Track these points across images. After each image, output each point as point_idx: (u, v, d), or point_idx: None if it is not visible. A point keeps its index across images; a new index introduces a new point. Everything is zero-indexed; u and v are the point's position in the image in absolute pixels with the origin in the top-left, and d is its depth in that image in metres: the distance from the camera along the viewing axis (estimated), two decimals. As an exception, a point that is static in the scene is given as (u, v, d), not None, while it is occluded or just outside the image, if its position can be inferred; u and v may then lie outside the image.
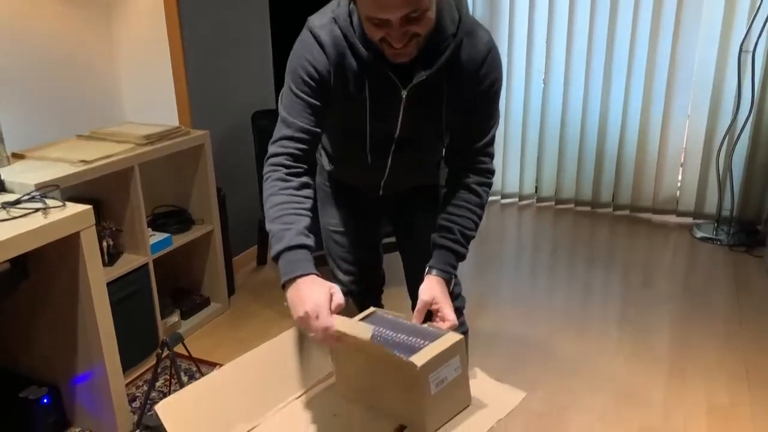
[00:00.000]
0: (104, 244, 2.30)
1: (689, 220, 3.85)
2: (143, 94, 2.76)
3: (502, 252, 3.49)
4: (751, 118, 3.51)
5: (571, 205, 4.08)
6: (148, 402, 2.22)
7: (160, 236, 2.49)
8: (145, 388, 2.33)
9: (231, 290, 2.97)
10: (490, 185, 1.41)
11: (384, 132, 1.38)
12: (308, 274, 1.15)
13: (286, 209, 1.23)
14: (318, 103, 1.29)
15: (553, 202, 4.12)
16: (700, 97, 3.65)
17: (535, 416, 2.15)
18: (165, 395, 2.27)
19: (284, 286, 1.14)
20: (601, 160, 3.92)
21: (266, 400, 1.18)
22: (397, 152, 1.43)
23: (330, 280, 1.23)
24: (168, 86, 2.71)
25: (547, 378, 2.37)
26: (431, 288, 1.30)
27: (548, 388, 2.32)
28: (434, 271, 1.33)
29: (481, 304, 2.91)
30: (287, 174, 1.26)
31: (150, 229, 2.51)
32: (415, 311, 1.28)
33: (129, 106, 2.80)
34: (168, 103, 2.71)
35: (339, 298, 1.14)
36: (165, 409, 1.13)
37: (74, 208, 1.82)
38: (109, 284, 2.19)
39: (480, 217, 1.40)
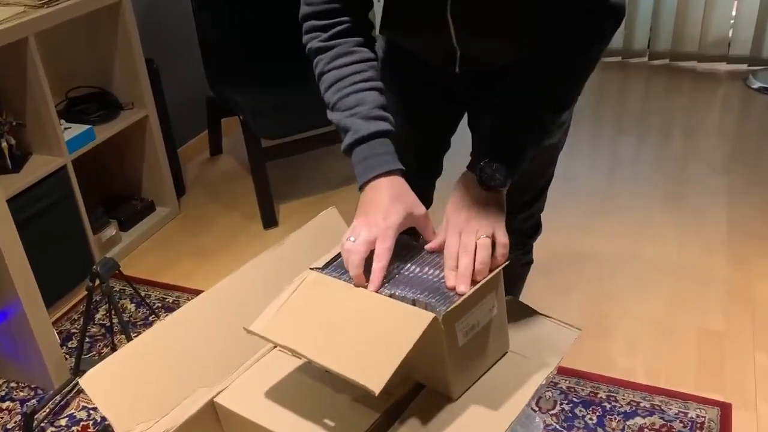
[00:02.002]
0: (2, 144, 2.07)
1: (743, 67, 3.74)
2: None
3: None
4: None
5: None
6: (87, 340, 2.12)
7: (78, 129, 2.34)
8: (82, 321, 2.19)
9: (180, 190, 2.91)
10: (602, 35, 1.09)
11: None
12: (388, 174, 1.05)
13: (343, 88, 1.12)
14: None
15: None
16: None
17: (570, 327, 2.08)
18: (107, 330, 2.15)
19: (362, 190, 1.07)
20: (634, -4, 3.74)
21: (234, 353, 1.07)
22: None
23: None
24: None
25: (580, 280, 2.31)
26: (453, 194, 1.08)
27: (582, 292, 2.25)
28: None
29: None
30: (329, 38, 1.14)
31: (63, 121, 2.37)
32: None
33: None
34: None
35: (421, 219, 1.04)
36: (92, 383, 1.00)
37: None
38: (15, 197, 2.03)
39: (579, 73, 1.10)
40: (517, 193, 1.19)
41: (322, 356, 0.87)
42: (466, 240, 0.98)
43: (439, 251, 1.01)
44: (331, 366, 0.86)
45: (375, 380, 0.82)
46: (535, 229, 1.54)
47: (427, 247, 1.04)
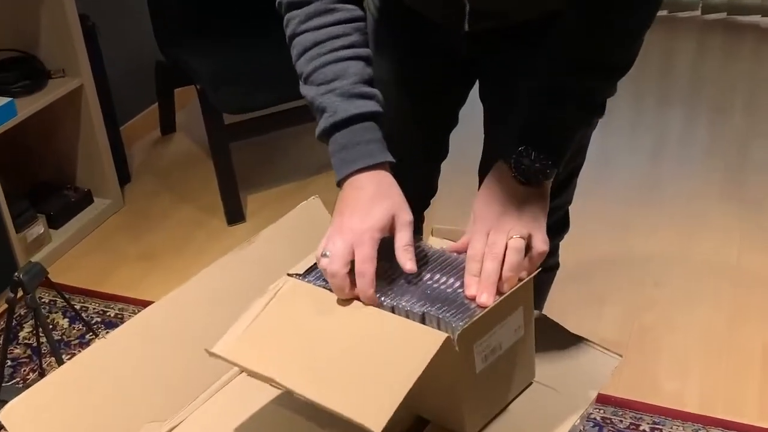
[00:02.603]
0: None
1: None
2: None
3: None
4: None
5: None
6: (8, 364, 2.12)
7: None
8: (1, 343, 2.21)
9: (124, 177, 2.93)
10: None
11: None
12: (372, 167, 1.04)
13: (319, 56, 1.10)
14: None
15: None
16: None
17: (606, 344, 2.09)
18: (33, 352, 2.15)
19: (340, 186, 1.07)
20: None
21: (191, 380, 1.08)
22: None
23: None
24: None
25: (617, 287, 2.33)
26: (482, 188, 1.09)
27: (620, 302, 2.27)
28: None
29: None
30: None
31: None
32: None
33: None
34: None
35: (404, 224, 1.01)
36: (13, 417, 0.99)
37: None
38: None
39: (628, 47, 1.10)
40: None
41: (305, 386, 0.87)
42: (495, 239, 0.98)
43: (459, 254, 1.01)
44: (317, 399, 0.85)
45: (374, 418, 0.81)
46: (562, 226, 1.55)
47: (449, 248, 1.03)
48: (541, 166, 1.04)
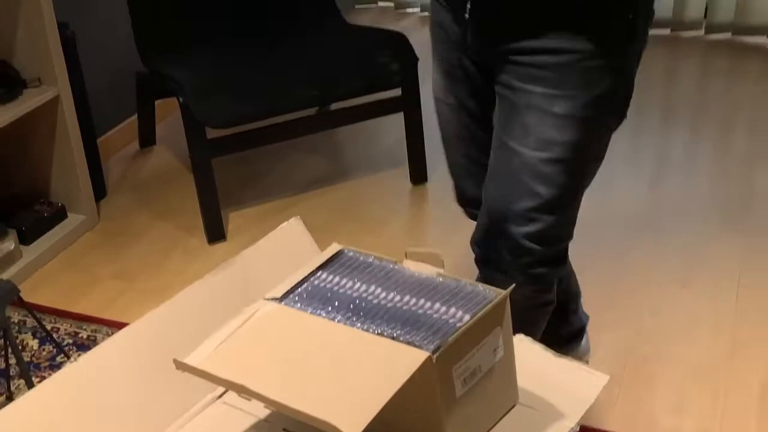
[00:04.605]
0: None
1: None
2: None
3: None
4: None
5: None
6: None
7: None
8: (-31, 362, 2.20)
9: (100, 192, 2.93)
10: None
11: None
12: None
13: None
14: None
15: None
16: None
17: (600, 376, 2.11)
18: (1, 374, 2.15)
19: None
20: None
21: (166, 405, 1.08)
22: None
23: None
24: None
25: (613, 316, 2.34)
26: None
27: (616, 332, 2.28)
28: None
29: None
30: None
31: None
32: None
33: None
34: None
35: None
36: None
37: None
38: None
39: None
40: (512, 184, 1.37)
41: (278, 393, 0.88)
42: None
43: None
44: (291, 404, 0.86)
45: (351, 423, 0.82)
46: (561, 261, 1.58)
47: None
48: None
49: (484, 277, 1.59)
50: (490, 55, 1.49)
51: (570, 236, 1.57)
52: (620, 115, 1.51)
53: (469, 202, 1.74)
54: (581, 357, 1.98)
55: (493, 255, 1.56)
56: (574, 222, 1.56)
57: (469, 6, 1.43)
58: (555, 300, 1.65)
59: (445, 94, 1.64)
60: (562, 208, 1.50)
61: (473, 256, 1.64)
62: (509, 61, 1.44)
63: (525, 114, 1.43)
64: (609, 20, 1.40)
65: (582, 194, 1.55)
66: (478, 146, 1.62)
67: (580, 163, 1.48)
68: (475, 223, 1.61)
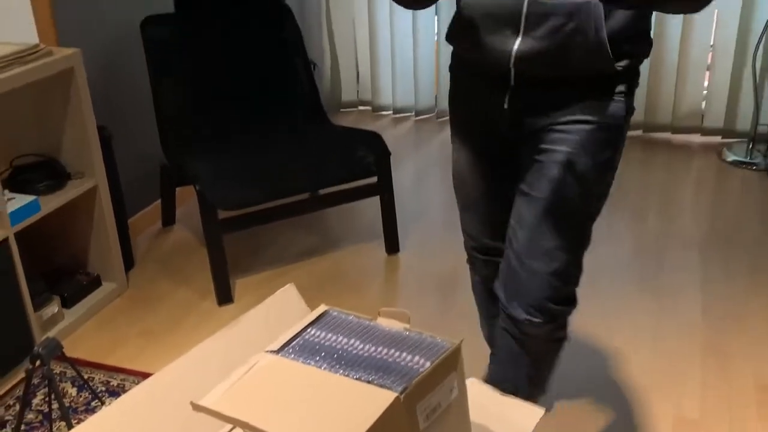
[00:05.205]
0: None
1: (717, 139, 3.86)
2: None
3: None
4: (796, 5, 3.44)
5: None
6: (23, 428, 2.09)
7: (22, 199, 2.36)
8: (18, 407, 2.17)
9: (129, 263, 2.91)
10: None
11: None
12: None
13: None
14: None
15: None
16: (732, -21, 3.55)
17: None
18: (45, 417, 2.12)
19: None
20: (606, 67, 3.86)
21: None
22: None
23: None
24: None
25: None
26: None
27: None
28: None
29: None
30: None
31: (7, 191, 2.37)
32: None
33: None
34: (21, 14, 2.53)
35: None
36: None
37: None
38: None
39: None
40: (538, 228, 1.34)
41: (278, 430, 0.89)
42: None
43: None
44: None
45: None
46: (570, 300, 1.54)
47: None
48: None
49: (508, 317, 1.53)
50: (526, 129, 1.49)
51: (579, 276, 1.55)
52: (615, 168, 1.54)
53: (488, 251, 1.72)
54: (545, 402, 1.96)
55: (519, 292, 1.52)
56: (582, 265, 1.55)
57: (507, 98, 1.44)
58: (567, 336, 1.62)
59: (469, 167, 1.62)
60: (578, 248, 1.52)
61: (477, 302, 1.69)
62: (541, 131, 1.46)
63: (550, 169, 1.45)
64: (621, 95, 1.47)
65: (590, 237, 1.56)
66: (501, 204, 1.61)
67: (591, 209, 1.52)
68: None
